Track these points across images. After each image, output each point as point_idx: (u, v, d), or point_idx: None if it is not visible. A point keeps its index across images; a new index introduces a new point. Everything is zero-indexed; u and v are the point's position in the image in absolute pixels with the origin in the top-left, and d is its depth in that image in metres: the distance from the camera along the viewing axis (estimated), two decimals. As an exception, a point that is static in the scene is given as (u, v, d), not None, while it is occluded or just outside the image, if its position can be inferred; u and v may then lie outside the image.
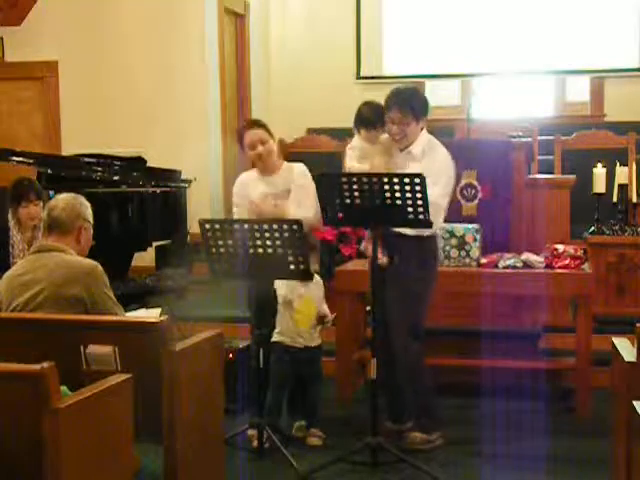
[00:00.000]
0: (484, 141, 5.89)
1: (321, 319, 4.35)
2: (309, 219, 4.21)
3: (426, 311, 4.26)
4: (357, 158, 4.37)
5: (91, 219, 3.66)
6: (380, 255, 4.13)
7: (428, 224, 3.90)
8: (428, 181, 3.97)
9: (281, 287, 4.26)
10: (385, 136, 4.35)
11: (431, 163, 4.14)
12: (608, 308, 5.57)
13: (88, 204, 3.67)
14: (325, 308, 4.40)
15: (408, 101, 4.20)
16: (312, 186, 4.30)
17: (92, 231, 3.67)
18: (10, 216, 5.11)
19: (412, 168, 4.10)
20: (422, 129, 4.24)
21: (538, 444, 4.29)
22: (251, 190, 4.41)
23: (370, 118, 4.38)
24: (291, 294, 4.26)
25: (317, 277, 4.31)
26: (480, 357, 4.89)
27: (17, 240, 5.07)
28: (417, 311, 4.21)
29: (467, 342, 4.95)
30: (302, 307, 4.29)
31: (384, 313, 4.21)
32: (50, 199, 3.85)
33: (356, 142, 4.45)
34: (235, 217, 4.43)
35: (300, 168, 4.43)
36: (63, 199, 3.63)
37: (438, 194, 4.08)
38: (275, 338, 4.30)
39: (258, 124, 4.44)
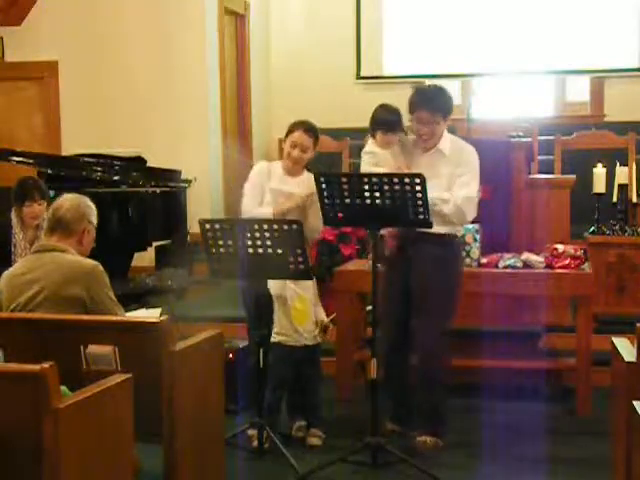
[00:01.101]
0: (484, 141, 5.88)
1: (324, 329, 4.37)
2: (319, 227, 4.29)
3: (455, 310, 4.26)
4: (373, 163, 4.34)
5: (95, 221, 3.66)
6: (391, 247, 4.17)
7: (428, 224, 3.91)
8: (465, 178, 4.11)
9: (273, 284, 4.26)
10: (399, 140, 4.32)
11: (464, 160, 4.18)
12: (608, 308, 5.56)
13: (93, 206, 3.67)
14: (320, 311, 4.39)
15: (436, 100, 4.17)
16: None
17: (94, 234, 3.67)
18: (13, 215, 5.10)
19: (443, 167, 4.14)
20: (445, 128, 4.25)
21: (538, 444, 4.29)
22: (270, 181, 4.37)
23: (387, 120, 4.33)
24: (282, 290, 4.25)
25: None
26: (480, 357, 4.89)
27: (19, 239, 5.07)
28: (447, 310, 4.21)
29: (467, 342, 4.94)
30: (298, 304, 4.28)
31: (397, 312, 4.21)
32: (51, 199, 3.85)
33: (370, 147, 4.42)
34: (246, 200, 4.38)
35: (311, 178, 4.41)
36: (69, 199, 3.63)
37: (475, 190, 4.17)
38: (275, 338, 4.30)
39: (314, 133, 4.41)
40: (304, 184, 4.35)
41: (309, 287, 4.30)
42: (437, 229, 4.06)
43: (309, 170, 4.42)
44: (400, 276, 4.24)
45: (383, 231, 4.38)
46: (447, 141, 4.22)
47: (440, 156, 4.19)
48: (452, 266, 4.27)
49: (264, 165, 4.50)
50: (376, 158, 4.33)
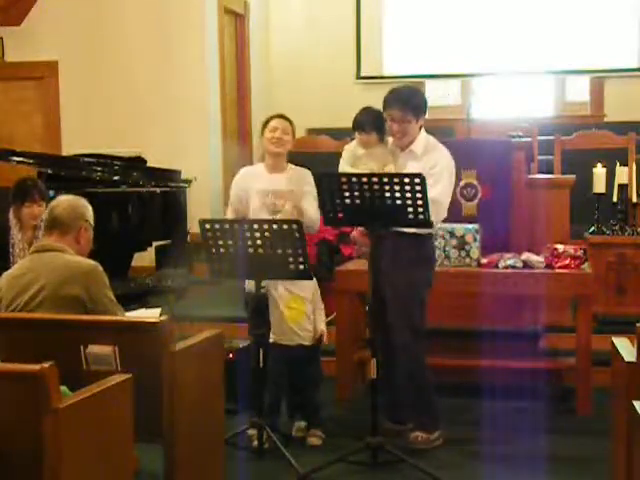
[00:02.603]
0: (484, 141, 5.89)
1: (319, 339, 4.35)
2: (315, 221, 4.28)
3: (425, 309, 4.26)
4: (348, 162, 4.39)
5: (92, 221, 3.68)
6: (367, 242, 4.17)
7: (428, 224, 3.91)
8: (430, 180, 4.00)
9: (265, 282, 4.24)
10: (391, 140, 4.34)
11: (433, 161, 4.15)
12: (608, 308, 5.56)
13: (90, 206, 3.69)
14: (320, 317, 4.36)
15: (408, 99, 4.22)
16: (315, 191, 4.31)
17: (92, 234, 3.68)
18: (12, 215, 5.09)
19: (411, 167, 4.12)
20: (421, 128, 4.26)
21: (538, 444, 4.29)
22: (254, 183, 4.39)
23: (360, 121, 4.43)
24: (271, 287, 4.23)
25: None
26: (480, 357, 4.89)
27: (18, 240, 5.06)
28: (414, 309, 4.21)
29: (467, 342, 4.94)
30: (293, 303, 4.27)
31: (382, 312, 4.21)
32: (51, 199, 3.86)
33: (350, 146, 4.49)
34: (228, 214, 4.43)
35: (306, 172, 4.41)
36: (65, 199, 3.67)
37: (440, 192, 4.10)
38: (271, 338, 4.29)
39: (288, 119, 4.47)
40: (290, 180, 4.37)
41: (306, 287, 4.29)
42: (405, 228, 4.06)
43: (307, 167, 4.43)
44: (375, 276, 4.22)
45: (354, 233, 4.41)
46: (421, 142, 4.23)
47: (412, 157, 4.21)
48: (421, 266, 4.23)
49: (245, 170, 4.54)
50: (351, 157, 4.38)
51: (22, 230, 5.06)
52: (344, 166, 4.40)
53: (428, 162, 4.15)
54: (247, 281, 4.35)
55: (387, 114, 4.23)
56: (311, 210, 4.30)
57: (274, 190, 4.35)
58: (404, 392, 4.31)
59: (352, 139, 4.63)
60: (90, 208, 3.69)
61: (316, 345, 4.37)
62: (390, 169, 4.13)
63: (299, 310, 4.28)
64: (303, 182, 4.36)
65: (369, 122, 4.39)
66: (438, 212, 4.09)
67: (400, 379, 4.28)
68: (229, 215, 4.45)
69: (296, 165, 4.50)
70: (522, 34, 8.98)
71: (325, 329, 4.39)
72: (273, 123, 4.40)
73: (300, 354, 4.31)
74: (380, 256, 4.15)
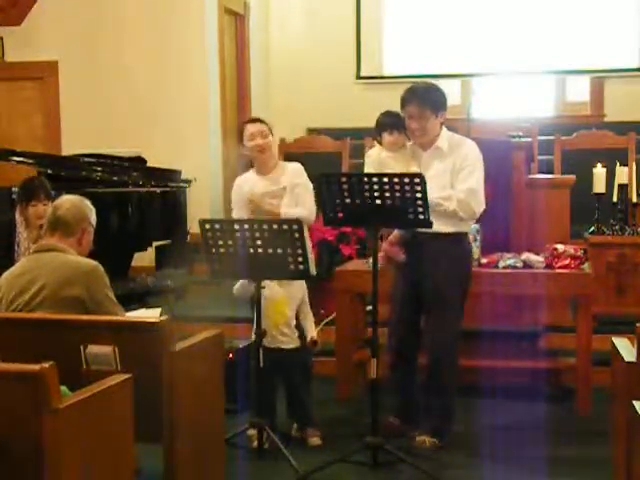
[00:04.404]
0: (484, 141, 5.86)
1: (313, 344, 4.32)
2: (302, 217, 4.11)
3: (463, 311, 4.27)
4: (373, 167, 4.36)
5: (94, 223, 3.68)
6: (399, 252, 4.15)
7: (428, 224, 3.90)
8: (466, 171, 4.09)
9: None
10: (410, 144, 4.33)
11: (462, 156, 4.17)
12: (608, 308, 5.56)
13: (93, 208, 3.69)
14: (309, 324, 4.33)
15: (425, 95, 4.18)
16: (309, 184, 4.31)
17: (92, 235, 3.68)
18: (18, 214, 5.08)
19: (438, 166, 4.13)
20: (442, 125, 4.24)
21: (538, 444, 4.29)
22: (248, 189, 4.40)
23: (386, 122, 4.43)
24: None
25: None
26: (480, 357, 4.89)
27: (23, 239, 5.05)
28: (456, 311, 4.22)
29: (467, 342, 4.93)
30: (271, 305, 4.24)
31: (409, 312, 4.23)
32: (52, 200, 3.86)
33: (373, 151, 4.48)
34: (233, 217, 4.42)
35: (295, 166, 4.42)
36: (69, 200, 3.65)
37: (477, 182, 4.14)
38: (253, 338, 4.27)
39: (260, 120, 4.46)
40: (281, 177, 4.36)
41: (293, 290, 4.26)
42: (445, 229, 4.07)
43: (307, 167, 4.41)
44: (407, 276, 4.23)
45: (384, 246, 4.38)
46: (445, 138, 4.23)
47: (439, 153, 4.20)
48: (463, 265, 4.27)
49: (239, 180, 4.53)
50: (377, 161, 4.36)
51: (28, 229, 5.06)
52: (370, 171, 4.34)
53: (458, 157, 4.16)
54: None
55: (405, 112, 4.20)
56: (307, 204, 4.28)
57: (268, 191, 4.34)
58: (428, 394, 4.28)
59: (372, 145, 4.59)
60: (93, 209, 3.69)
61: (297, 347, 4.29)
62: (415, 171, 4.11)
63: (281, 313, 4.25)
64: (293, 176, 4.35)
65: (395, 122, 4.38)
66: (479, 201, 4.13)
67: (429, 380, 4.25)
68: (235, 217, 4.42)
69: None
70: (522, 34, 8.98)
71: (315, 335, 4.34)
72: (249, 130, 4.37)
73: (280, 357, 4.26)
74: (418, 260, 4.16)
